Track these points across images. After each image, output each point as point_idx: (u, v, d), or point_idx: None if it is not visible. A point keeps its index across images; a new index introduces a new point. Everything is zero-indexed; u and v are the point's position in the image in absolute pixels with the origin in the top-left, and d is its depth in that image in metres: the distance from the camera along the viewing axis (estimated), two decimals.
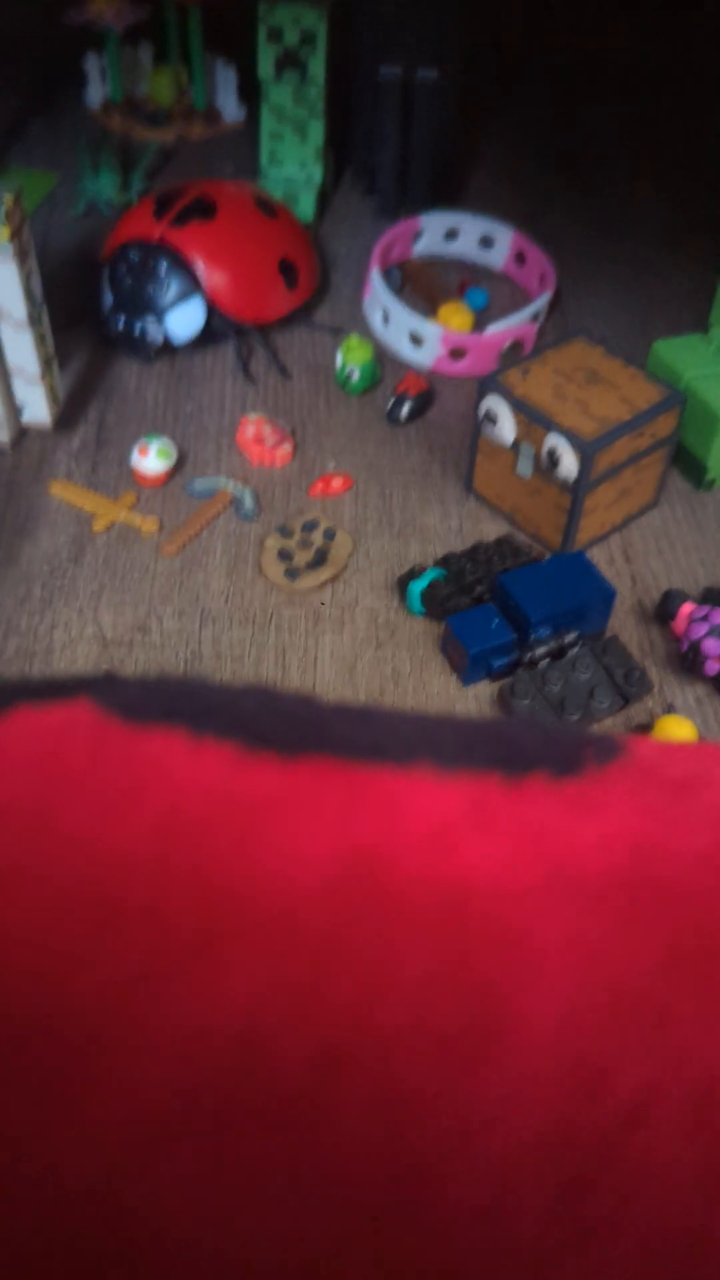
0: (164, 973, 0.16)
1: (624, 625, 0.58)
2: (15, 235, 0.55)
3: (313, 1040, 0.16)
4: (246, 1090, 0.16)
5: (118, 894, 0.17)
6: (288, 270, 0.70)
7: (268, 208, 0.71)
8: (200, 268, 0.67)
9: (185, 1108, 0.15)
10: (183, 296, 0.67)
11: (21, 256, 0.56)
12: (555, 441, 0.56)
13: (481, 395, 0.59)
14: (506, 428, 0.59)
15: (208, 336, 0.70)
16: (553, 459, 0.57)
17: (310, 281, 0.72)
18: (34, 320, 0.59)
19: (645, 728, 0.53)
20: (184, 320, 0.68)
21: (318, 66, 0.76)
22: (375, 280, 0.71)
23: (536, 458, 0.58)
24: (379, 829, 0.20)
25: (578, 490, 0.57)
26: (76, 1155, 0.15)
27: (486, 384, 0.59)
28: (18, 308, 0.58)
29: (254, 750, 0.22)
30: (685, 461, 0.65)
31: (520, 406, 0.58)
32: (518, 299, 0.77)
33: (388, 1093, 0.16)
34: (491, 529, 0.63)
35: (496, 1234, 0.16)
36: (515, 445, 0.59)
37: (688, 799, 0.23)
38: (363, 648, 0.57)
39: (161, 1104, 0.15)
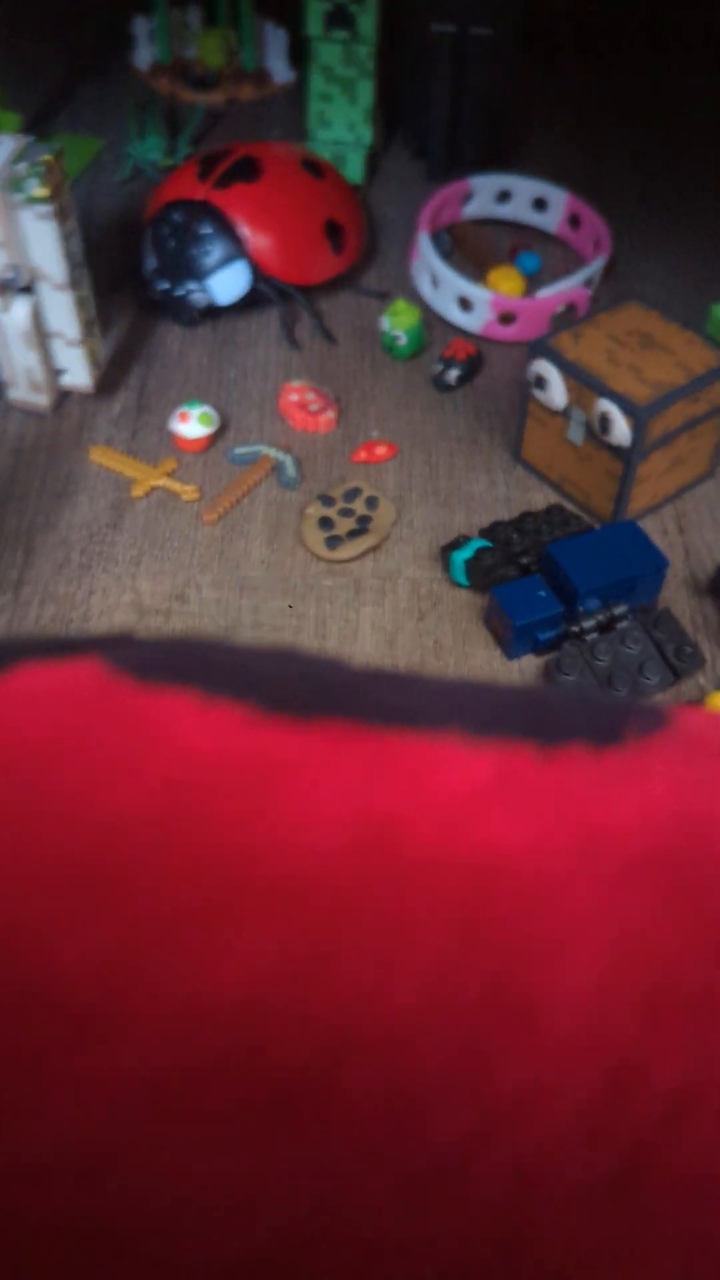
0: (159, 940, 0.15)
1: (676, 598, 0.56)
2: (55, 195, 0.54)
3: (318, 1022, 0.15)
4: (247, 1071, 0.14)
5: (110, 858, 0.16)
6: (334, 233, 0.69)
7: (314, 169, 0.70)
8: (244, 230, 0.66)
9: (183, 1086, 0.14)
10: (226, 259, 0.66)
11: (61, 216, 0.55)
12: (607, 407, 0.54)
13: (532, 359, 0.57)
14: (557, 393, 0.57)
15: (252, 300, 0.69)
16: (604, 424, 0.55)
17: (357, 244, 0.71)
18: (74, 283, 0.58)
19: (697, 704, 0.51)
20: (228, 283, 0.66)
21: (368, 24, 0.74)
22: (423, 243, 0.69)
23: (588, 423, 0.56)
24: (400, 797, 0.18)
25: (630, 457, 0.55)
26: (67, 1128, 0.14)
27: (537, 347, 0.57)
28: (57, 270, 0.57)
29: (268, 713, 0.20)
30: None
31: (571, 371, 0.56)
32: (571, 263, 0.75)
33: (399, 1085, 0.15)
34: (540, 498, 0.61)
35: (516, 1243, 0.14)
36: (566, 411, 0.57)
37: None
38: (404, 619, 0.55)
39: (158, 1079, 0.14)
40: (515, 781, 0.19)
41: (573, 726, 0.22)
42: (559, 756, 0.21)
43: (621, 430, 0.54)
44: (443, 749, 0.20)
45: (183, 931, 0.16)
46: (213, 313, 0.69)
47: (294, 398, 0.63)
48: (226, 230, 0.66)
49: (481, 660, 0.54)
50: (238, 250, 0.66)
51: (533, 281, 0.73)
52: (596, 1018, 0.16)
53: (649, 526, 0.60)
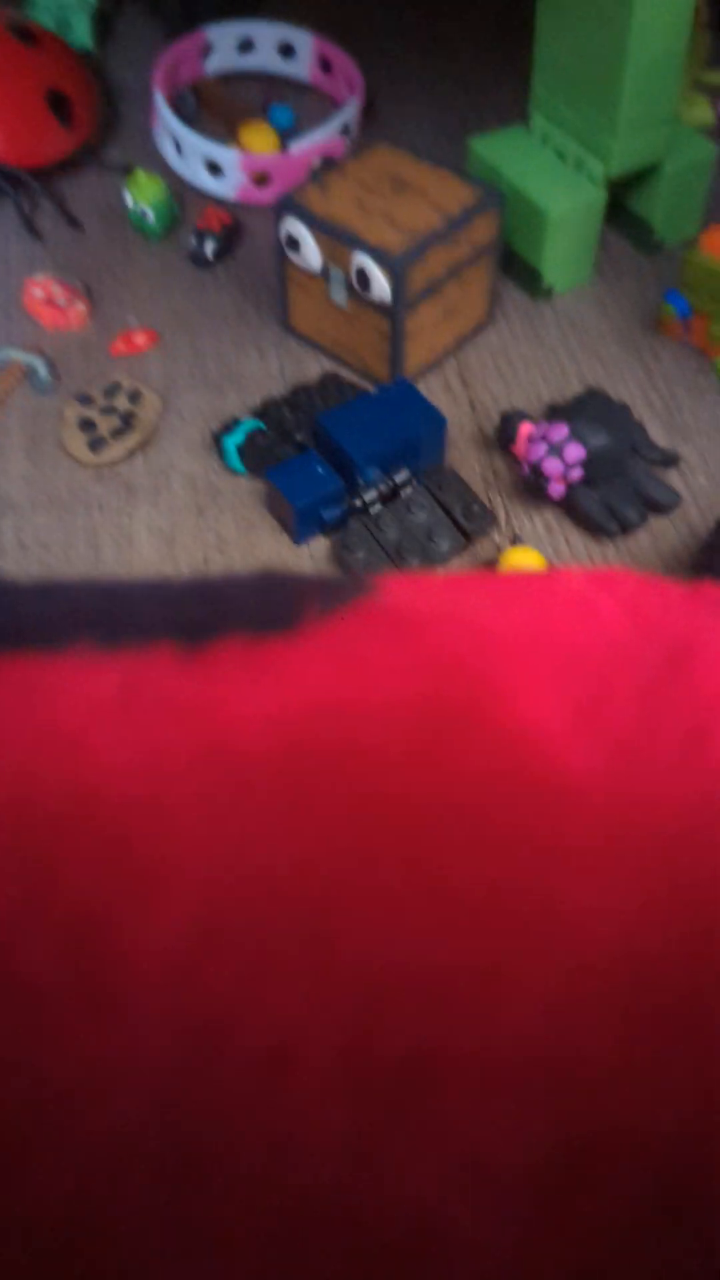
0: None
1: (465, 456, 0.54)
2: None
3: None
4: None
5: None
6: (59, 105, 0.62)
7: (25, 35, 0.63)
8: None
9: None
10: None
11: None
12: (362, 260, 0.51)
13: (280, 218, 0.53)
14: (311, 252, 0.53)
15: None
16: (363, 280, 0.51)
17: (89, 115, 0.65)
18: None
19: (493, 565, 0.50)
20: None
21: None
22: (160, 106, 0.63)
23: (347, 281, 0.53)
24: None
25: (395, 312, 0.52)
26: None
27: (283, 205, 0.53)
28: None
29: None
30: (518, 269, 0.60)
31: (321, 226, 0.52)
32: (329, 112, 0.70)
33: None
34: (315, 368, 0.57)
35: (77, 1247, 0.12)
36: (324, 271, 0.53)
37: (412, 642, 0.19)
38: (183, 517, 0.52)
39: None
40: (137, 694, 0.16)
41: (235, 616, 0.19)
42: (204, 655, 0.18)
43: (380, 285, 0.51)
44: (62, 669, 0.17)
45: None
46: None
47: (39, 293, 0.58)
48: None
49: (269, 549, 0.51)
50: None
51: (288, 136, 0.68)
52: (188, 970, 0.13)
53: (431, 383, 0.57)
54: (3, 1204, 0.12)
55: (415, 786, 0.15)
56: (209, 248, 0.61)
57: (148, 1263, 0.12)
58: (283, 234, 0.53)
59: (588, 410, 0.51)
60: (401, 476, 0.50)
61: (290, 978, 0.14)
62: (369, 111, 0.70)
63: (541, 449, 0.49)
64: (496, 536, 0.51)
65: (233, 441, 0.52)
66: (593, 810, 0.16)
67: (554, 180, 0.57)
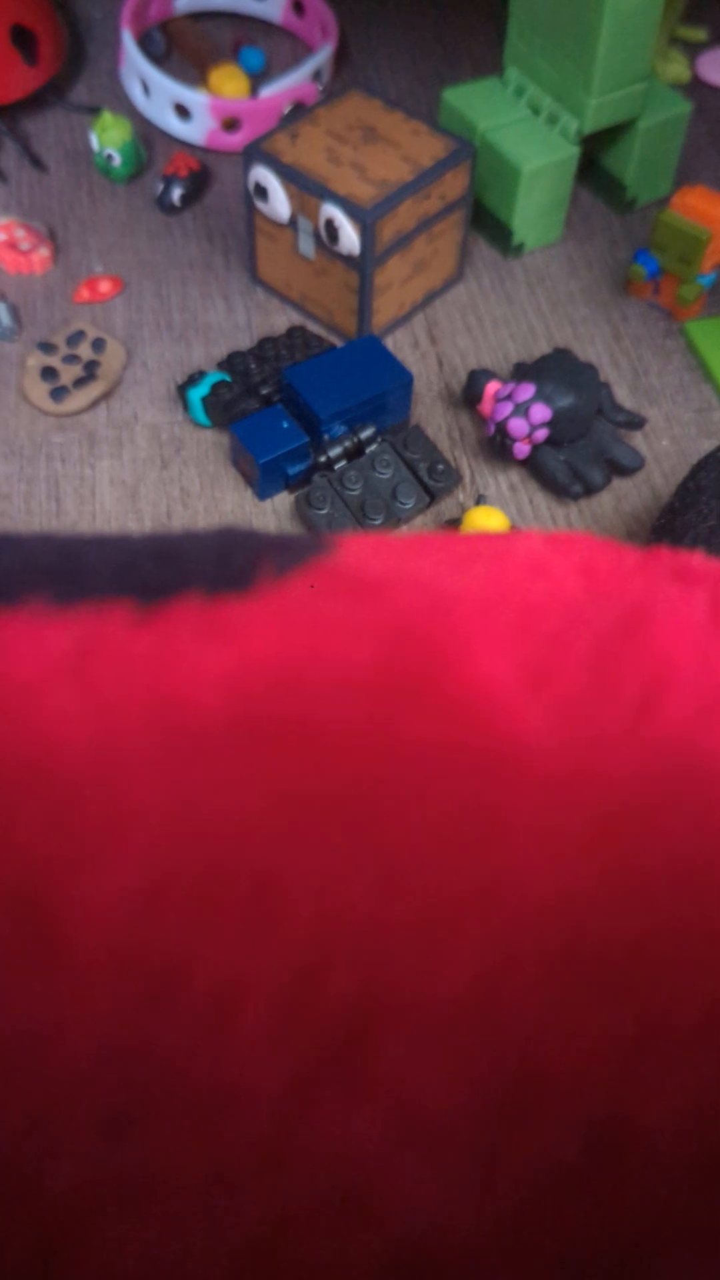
0: None
1: (431, 413, 0.54)
2: None
3: None
4: None
5: None
6: (23, 40, 0.61)
7: None
8: None
9: None
10: None
11: None
12: (331, 212, 0.50)
13: (248, 166, 0.52)
14: (279, 202, 0.52)
15: None
16: (331, 232, 0.51)
17: (55, 52, 0.63)
18: None
19: (456, 523, 0.50)
20: None
21: None
22: (128, 45, 0.62)
23: (316, 233, 0.52)
24: None
25: (364, 266, 0.51)
26: None
27: (252, 153, 0.52)
28: None
29: None
30: (489, 226, 0.60)
31: (290, 175, 0.51)
32: (300, 56, 0.69)
33: None
34: (282, 321, 0.57)
35: (15, 1196, 0.12)
36: (292, 221, 0.53)
37: (368, 604, 0.19)
38: (145, 469, 0.51)
39: None
40: (91, 654, 0.16)
41: (190, 575, 0.19)
42: (160, 614, 0.18)
43: (349, 237, 0.50)
44: (16, 626, 0.17)
45: None
46: None
47: (1, 236, 0.57)
48: None
49: (232, 504, 0.51)
50: None
51: (258, 80, 0.67)
52: (136, 923, 0.14)
53: (400, 339, 0.56)
54: None
55: (363, 752, 0.16)
56: (176, 194, 0.60)
57: (89, 1206, 0.13)
58: (251, 182, 0.52)
59: (554, 370, 0.51)
60: (367, 433, 0.49)
61: (236, 930, 0.14)
62: (341, 57, 0.69)
63: (507, 409, 0.49)
64: (461, 495, 0.51)
65: (197, 394, 0.51)
66: (538, 783, 0.16)
67: (527, 135, 0.57)
